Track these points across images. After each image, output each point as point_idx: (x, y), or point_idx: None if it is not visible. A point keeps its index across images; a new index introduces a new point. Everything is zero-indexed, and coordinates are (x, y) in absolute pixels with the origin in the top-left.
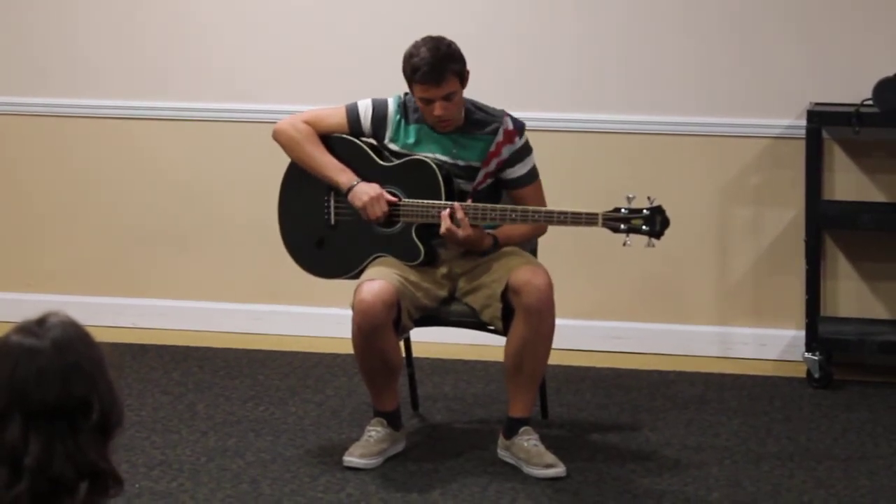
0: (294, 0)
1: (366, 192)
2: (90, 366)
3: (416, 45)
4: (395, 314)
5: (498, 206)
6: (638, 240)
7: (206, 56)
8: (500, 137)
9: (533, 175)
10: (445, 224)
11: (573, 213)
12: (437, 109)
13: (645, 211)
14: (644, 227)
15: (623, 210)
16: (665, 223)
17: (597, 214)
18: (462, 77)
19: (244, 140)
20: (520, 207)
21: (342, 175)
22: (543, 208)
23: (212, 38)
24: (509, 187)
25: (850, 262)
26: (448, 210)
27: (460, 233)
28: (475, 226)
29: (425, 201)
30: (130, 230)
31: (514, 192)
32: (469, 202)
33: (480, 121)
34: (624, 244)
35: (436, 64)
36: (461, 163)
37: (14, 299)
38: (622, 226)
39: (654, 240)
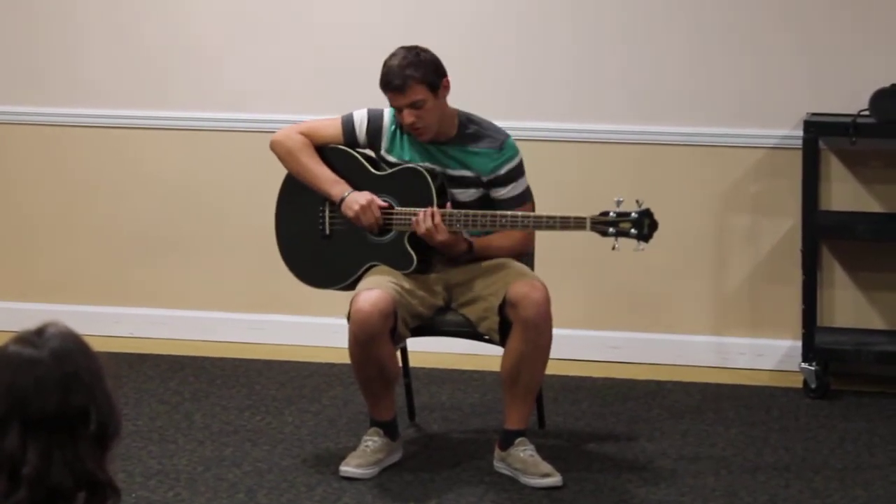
0: (290, 11)
1: (356, 202)
2: (88, 376)
3: (391, 55)
4: (392, 323)
5: (488, 212)
6: (627, 243)
7: (204, 66)
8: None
9: (524, 198)
10: (424, 226)
11: (562, 218)
12: (406, 117)
13: (633, 214)
14: (632, 231)
15: (611, 213)
16: (653, 226)
17: (585, 218)
18: (432, 85)
19: (241, 150)
20: (509, 213)
21: (334, 187)
22: (532, 213)
23: (209, 48)
24: (499, 207)
25: (847, 272)
26: (421, 213)
27: (438, 237)
28: (451, 231)
29: (417, 209)
30: (128, 240)
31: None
32: (454, 209)
33: (473, 134)
34: (613, 248)
35: (398, 72)
36: (452, 172)
37: (11, 308)
38: (610, 229)
39: (642, 243)
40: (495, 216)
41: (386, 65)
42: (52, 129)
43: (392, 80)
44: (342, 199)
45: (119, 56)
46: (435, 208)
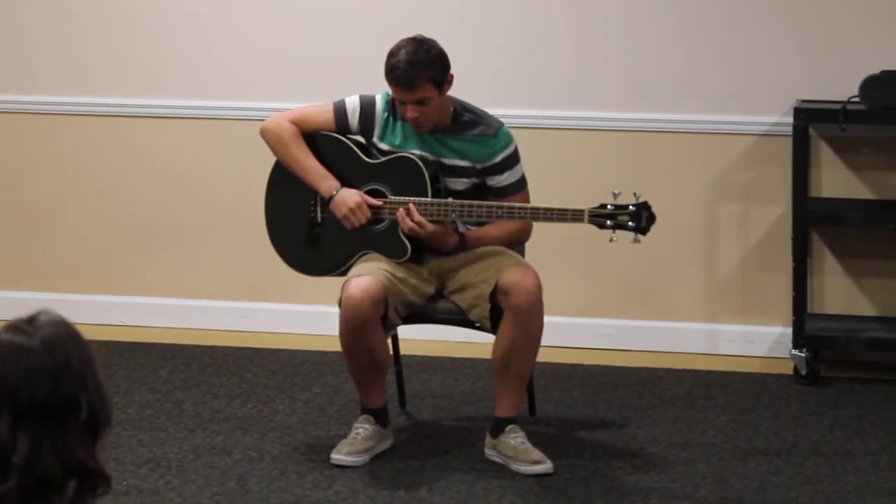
0: None
1: (345, 204)
2: (79, 365)
3: (398, 45)
4: (383, 310)
5: (484, 203)
6: (624, 236)
7: (196, 53)
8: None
9: (520, 185)
10: (406, 224)
11: (559, 210)
12: (410, 112)
13: (631, 207)
14: (630, 223)
15: (609, 206)
16: (651, 219)
17: (583, 211)
18: (439, 83)
19: (232, 137)
20: (506, 204)
21: (323, 182)
22: (529, 205)
23: (202, 36)
24: (495, 195)
25: (837, 258)
26: (403, 210)
27: (422, 232)
28: (440, 222)
29: (412, 198)
30: (118, 228)
31: (500, 200)
32: (450, 200)
33: (468, 122)
34: (610, 240)
35: (409, 69)
36: (446, 161)
37: (2, 297)
38: (608, 222)
39: (640, 236)
40: (491, 207)
41: (394, 56)
42: (41, 117)
43: (401, 77)
44: (331, 197)
45: (110, 44)
46: (411, 205)
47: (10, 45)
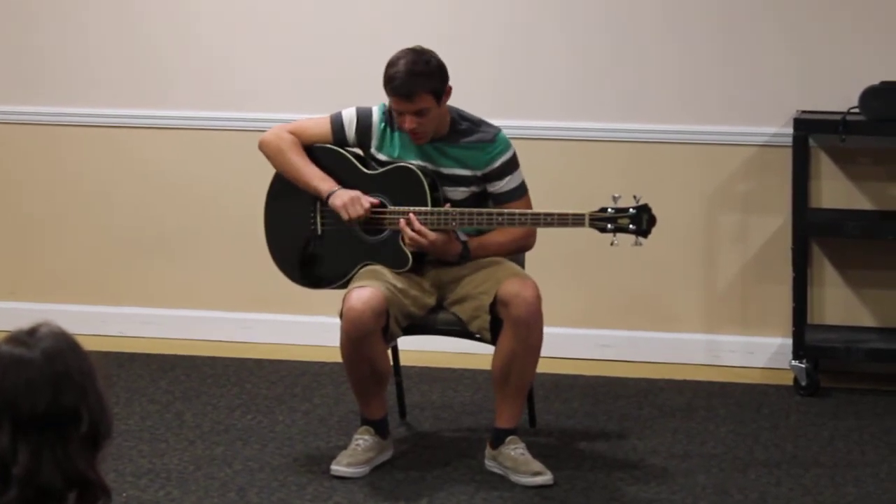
0: (282, 10)
1: (346, 193)
2: (80, 376)
3: (397, 56)
4: (384, 322)
5: (484, 210)
6: (625, 239)
7: (194, 65)
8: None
9: (521, 190)
10: (407, 234)
11: (560, 215)
12: (408, 123)
13: (631, 210)
14: (631, 226)
15: (609, 209)
16: (652, 221)
17: (583, 215)
18: (438, 94)
19: (232, 148)
20: (506, 211)
21: (323, 183)
22: (530, 211)
23: (200, 48)
24: (497, 201)
25: (837, 269)
26: (404, 220)
27: (424, 241)
28: (442, 230)
29: (412, 208)
30: (118, 238)
31: (502, 206)
32: (447, 206)
33: (465, 130)
34: (611, 244)
35: (408, 80)
36: (444, 171)
37: (2, 308)
38: (609, 225)
39: (641, 238)
40: (492, 214)
41: (393, 66)
42: (39, 128)
43: (399, 87)
44: (330, 194)
45: (108, 56)
46: (411, 214)
47: (12, 56)
